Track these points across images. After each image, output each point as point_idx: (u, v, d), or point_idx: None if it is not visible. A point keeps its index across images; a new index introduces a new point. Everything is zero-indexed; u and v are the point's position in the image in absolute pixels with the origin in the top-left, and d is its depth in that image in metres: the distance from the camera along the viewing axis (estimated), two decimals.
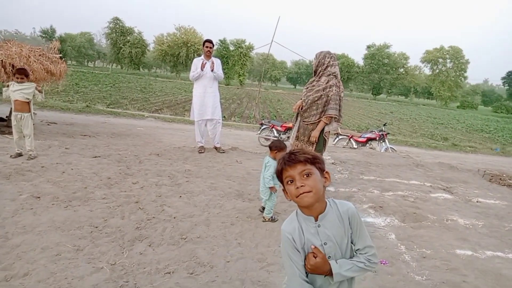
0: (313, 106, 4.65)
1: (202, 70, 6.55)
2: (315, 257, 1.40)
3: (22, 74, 5.41)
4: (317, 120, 4.65)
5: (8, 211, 3.48)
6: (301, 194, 1.38)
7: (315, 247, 1.41)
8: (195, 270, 2.81)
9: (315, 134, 4.64)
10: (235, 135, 12.88)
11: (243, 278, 2.75)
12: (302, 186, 1.38)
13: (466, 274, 3.05)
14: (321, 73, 4.73)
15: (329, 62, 4.71)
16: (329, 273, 1.41)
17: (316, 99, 4.61)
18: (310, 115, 4.71)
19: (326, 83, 4.62)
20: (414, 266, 3.15)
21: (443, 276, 3.00)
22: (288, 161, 1.42)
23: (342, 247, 1.44)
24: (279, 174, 1.46)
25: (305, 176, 1.39)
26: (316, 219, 1.43)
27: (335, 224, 1.43)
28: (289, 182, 1.42)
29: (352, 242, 1.47)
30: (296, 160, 1.40)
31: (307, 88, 4.82)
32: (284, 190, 1.48)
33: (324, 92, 4.60)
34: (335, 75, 4.68)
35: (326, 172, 1.46)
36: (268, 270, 2.86)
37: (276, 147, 3.73)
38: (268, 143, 10.82)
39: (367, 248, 1.45)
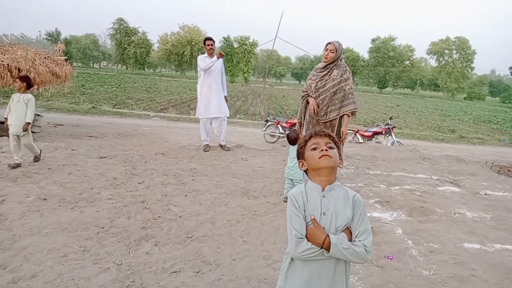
0: (329, 103, 4.49)
1: (211, 58, 6.52)
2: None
3: (23, 81, 4.98)
4: (336, 116, 4.50)
5: (15, 213, 3.51)
6: (324, 155, 1.53)
7: (314, 218, 1.51)
8: (201, 268, 2.82)
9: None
10: (240, 133, 12.89)
11: (249, 276, 2.75)
12: (326, 150, 1.54)
13: (474, 268, 3.02)
14: (334, 65, 4.51)
15: (342, 54, 4.57)
16: (325, 246, 1.45)
17: (332, 94, 4.44)
18: (327, 112, 4.53)
19: (341, 77, 4.43)
20: (422, 261, 3.13)
21: (451, 270, 2.98)
22: (317, 132, 1.61)
23: (337, 224, 1.51)
24: (303, 145, 1.63)
25: (329, 147, 1.56)
26: (323, 189, 1.55)
27: (339, 201, 1.54)
28: (313, 149, 1.58)
29: (349, 228, 1.53)
30: (325, 134, 1.59)
31: (317, 81, 4.56)
32: (301, 160, 1.64)
33: (340, 86, 4.43)
34: (347, 67, 4.51)
35: (341, 158, 1.63)
36: (274, 268, 2.86)
37: (294, 138, 4.08)
38: (273, 139, 10.87)
39: (366, 234, 1.50)
